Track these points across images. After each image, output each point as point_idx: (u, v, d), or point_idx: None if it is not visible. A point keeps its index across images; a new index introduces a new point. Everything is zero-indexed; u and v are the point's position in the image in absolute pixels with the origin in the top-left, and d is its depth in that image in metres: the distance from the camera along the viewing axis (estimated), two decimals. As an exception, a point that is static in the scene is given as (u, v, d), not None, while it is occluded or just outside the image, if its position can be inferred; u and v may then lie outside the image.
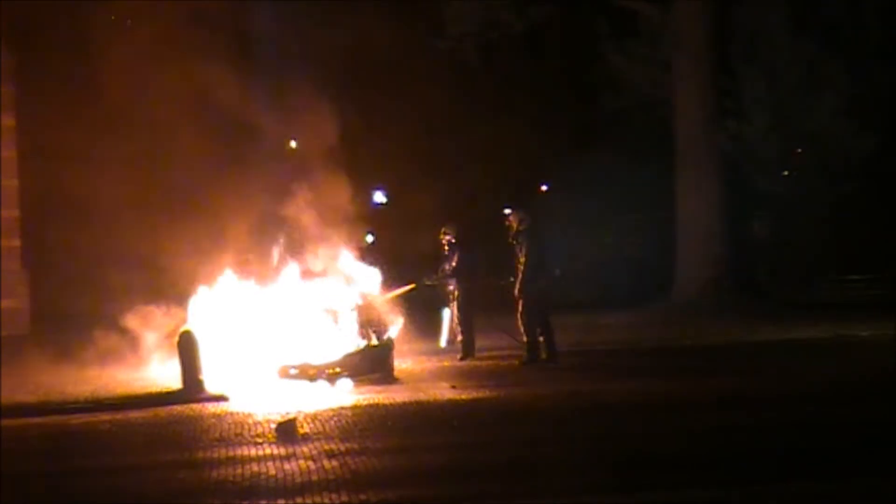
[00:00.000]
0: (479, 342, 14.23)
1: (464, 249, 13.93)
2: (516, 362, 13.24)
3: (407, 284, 13.64)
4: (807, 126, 22.98)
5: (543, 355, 13.22)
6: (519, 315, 13.19)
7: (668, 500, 6.63)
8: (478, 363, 13.64)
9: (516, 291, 13.13)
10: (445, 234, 14.07)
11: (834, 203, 23.85)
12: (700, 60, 20.99)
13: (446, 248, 14.06)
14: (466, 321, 13.97)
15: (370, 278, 13.09)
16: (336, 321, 12.60)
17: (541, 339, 13.27)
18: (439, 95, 22.01)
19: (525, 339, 13.19)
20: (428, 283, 14.03)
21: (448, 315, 14.38)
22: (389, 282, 13.29)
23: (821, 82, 22.65)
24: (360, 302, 12.69)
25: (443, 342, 14.53)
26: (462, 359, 13.79)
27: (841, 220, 24.28)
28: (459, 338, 14.03)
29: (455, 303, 14.10)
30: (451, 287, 14.01)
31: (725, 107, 21.93)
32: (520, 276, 13.06)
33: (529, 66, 24.03)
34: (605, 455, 8.01)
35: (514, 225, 13.26)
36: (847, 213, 24.13)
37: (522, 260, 13.03)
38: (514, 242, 13.20)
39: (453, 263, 13.91)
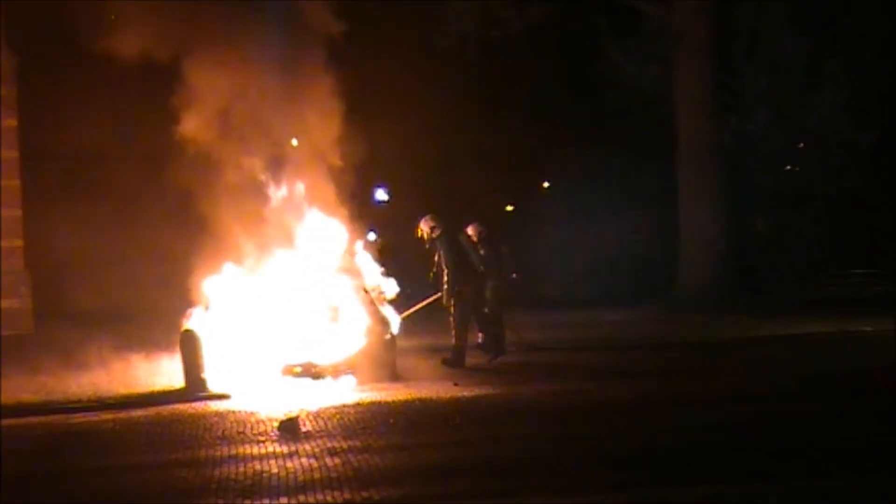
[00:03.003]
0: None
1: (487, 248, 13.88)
2: (440, 360, 13.12)
3: (433, 294, 13.58)
4: (808, 122, 22.97)
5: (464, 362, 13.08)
6: (451, 319, 13.09)
7: (669, 497, 6.61)
8: (480, 360, 13.60)
9: (444, 299, 13.08)
10: (469, 233, 13.98)
11: (836, 198, 23.83)
12: (701, 57, 21.00)
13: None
14: (496, 319, 13.96)
15: (375, 276, 13.09)
16: (339, 319, 12.57)
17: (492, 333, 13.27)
18: (440, 93, 22.00)
19: (454, 341, 13.08)
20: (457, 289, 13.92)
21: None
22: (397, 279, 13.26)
23: (822, 78, 22.63)
24: (363, 298, 12.65)
25: (479, 338, 14.44)
26: (494, 357, 13.68)
27: (843, 215, 24.27)
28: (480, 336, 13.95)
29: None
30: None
31: (727, 103, 21.91)
32: (444, 283, 12.99)
33: (530, 64, 24.00)
34: (606, 452, 8.00)
35: (427, 232, 13.18)
36: (849, 209, 24.12)
37: (444, 267, 12.96)
38: (431, 248, 13.12)
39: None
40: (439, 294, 13.34)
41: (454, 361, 13.03)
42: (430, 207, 13.93)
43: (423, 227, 13.24)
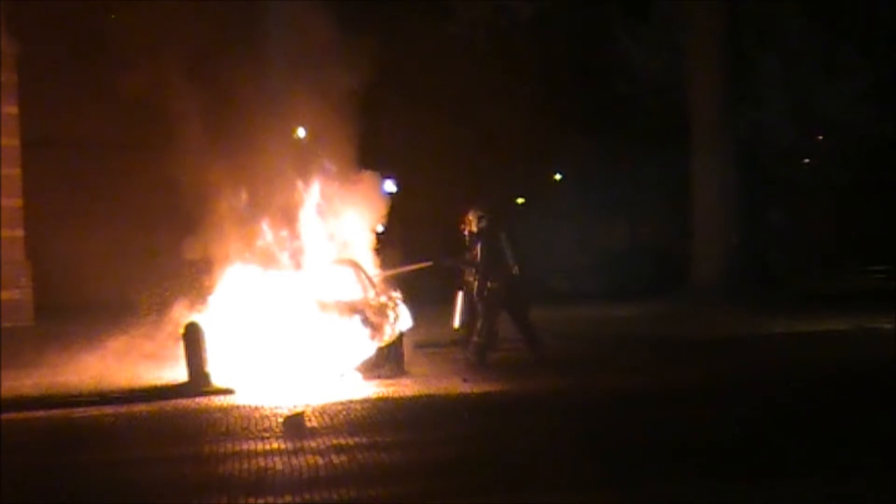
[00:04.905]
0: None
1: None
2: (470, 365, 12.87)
3: (425, 262, 13.38)
4: (824, 112, 22.75)
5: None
6: (483, 315, 12.78)
7: (678, 494, 6.51)
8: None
9: (476, 294, 12.83)
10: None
11: (851, 190, 23.64)
12: (716, 45, 20.76)
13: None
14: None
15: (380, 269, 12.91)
16: (346, 314, 12.35)
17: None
18: (449, 81, 21.85)
19: (477, 338, 12.78)
20: (447, 263, 13.72)
21: (461, 297, 14.09)
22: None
23: (838, 68, 22.41)
24: (371, 295, 12.43)
25: (456, 322, 14.22)
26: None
27: (859, 208, 24.07)
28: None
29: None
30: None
31: (741, 92, 21.67)
32: (478, 277, 12.73)
33: (540, 51, 23.80)
34: (615, 448, 7.92)
35: (475, 223, 12.94)
36: (866, 202, 23.93)
37: (478, 260, 12.75)
38: (471, 242, 12.90)
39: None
40: (430, 262, 13.11)
41: (476, 360, 12.77)
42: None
43: (471, 219, 13.02)
